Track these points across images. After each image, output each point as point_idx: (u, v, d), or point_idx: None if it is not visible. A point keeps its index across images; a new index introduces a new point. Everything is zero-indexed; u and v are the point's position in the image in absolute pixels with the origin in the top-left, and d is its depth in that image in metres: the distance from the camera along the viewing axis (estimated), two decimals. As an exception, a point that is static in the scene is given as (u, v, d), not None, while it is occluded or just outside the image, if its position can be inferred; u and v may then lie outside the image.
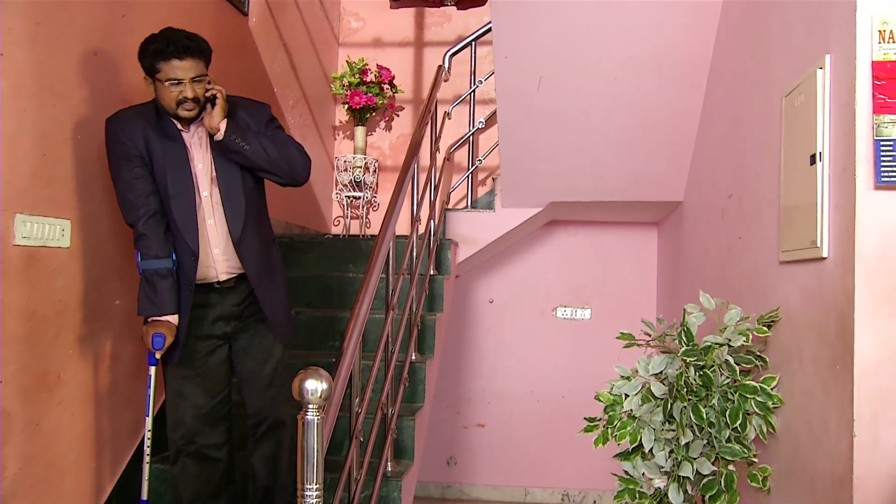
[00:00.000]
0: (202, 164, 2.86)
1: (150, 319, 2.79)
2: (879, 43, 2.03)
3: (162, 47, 2.66)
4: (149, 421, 2.84)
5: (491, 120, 5.05)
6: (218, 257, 2.89)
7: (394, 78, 5.56)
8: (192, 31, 2.78)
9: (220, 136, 2.77)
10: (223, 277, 2.91)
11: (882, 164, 2.00)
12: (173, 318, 2.80)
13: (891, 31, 2.02)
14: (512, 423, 5.78)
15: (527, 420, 5.71)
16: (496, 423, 5.81)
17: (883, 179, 2.00)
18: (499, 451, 5.81)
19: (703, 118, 3.93)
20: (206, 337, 2.93)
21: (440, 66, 4.70)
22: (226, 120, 2.77)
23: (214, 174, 2.87)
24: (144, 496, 2.85)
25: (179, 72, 2.68)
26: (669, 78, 3.84)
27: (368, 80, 5.44)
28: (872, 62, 2.03)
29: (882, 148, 2.00)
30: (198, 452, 2.93)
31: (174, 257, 2.82)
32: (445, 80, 4.78)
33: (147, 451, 2.84)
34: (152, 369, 2.85)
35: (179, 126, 2.84)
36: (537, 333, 5.77)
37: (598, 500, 5.67)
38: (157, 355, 2.80)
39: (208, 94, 2.76)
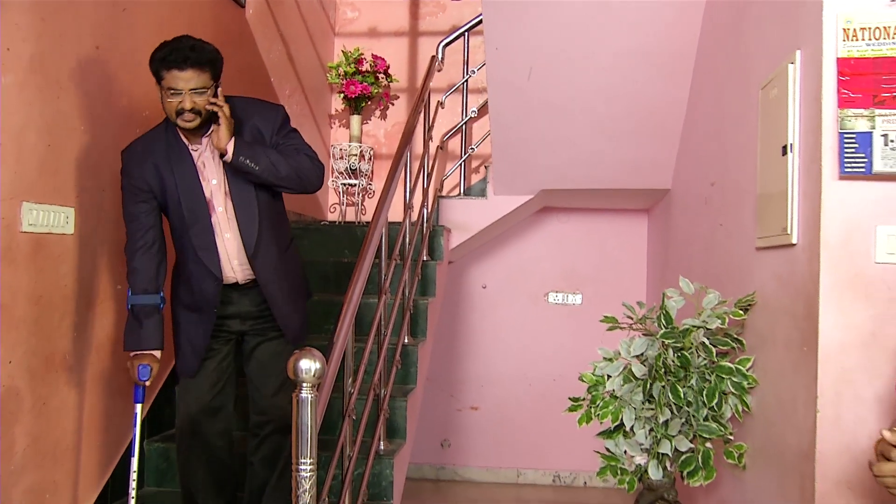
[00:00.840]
0: (216, 179, 2.87)
1: (133, 354, 2.83)
2: (844, 40, 2.13)
3: (165, 55, 2.66)
4: (134, 461, 2.86)
5: (483, 109, 5.14)
6: (237, 268, 2.93)
7: (389, 67, 5.65)
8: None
9: (228, 157, 2.75)
10: (243, 281, 2.96)
11: (845, 155, 2.11)
12: (157, 353, 2.85)
13: (854, 30, 2.12)
14: (505, 406, 5.89)
15: (519, 403, 5.82)
16: (489, 406, 5.93)
17: (846, 170, 2.11)
18: (492, 434, 5.92)
19: (690, 109, 4.03)
20: (222, 332, 3.00)
21: (433, 57, 4.80)
22: (233, 140, 2.74)
23: (227, 188, 2.87)
24: None
25: (180, 82, 2.66)
26: (657, 70, 3.94)
27: (364, 69, 5.53)
28: (837, 58, 2.14)
29: (846, 140, 2.11)
30: (203, 442, 2.99)
31: (161, 295, 2.87)
32: (439, 70, 4.88)
33: (133, 491, 2.87)
34: (138, 407, 2.87)
35: (189, 144, 2.84)
36: (530, 318, 5.88)
37: (589, 481, 5.80)
38: (147, 384, 2.82)
39: (209, 108, 2.72)
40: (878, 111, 2.09)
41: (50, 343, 2.80)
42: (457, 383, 5.95)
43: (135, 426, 2.85)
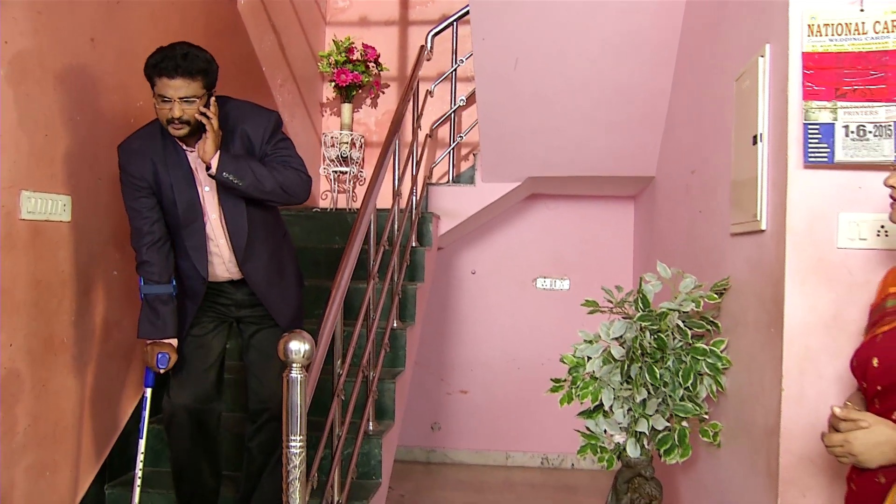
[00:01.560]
0: (209, 186, 2.90)
1: (151, 341, 2.90)
2: (809, 36, 2.23)
3: (158, 62, 2.67)
4: (142, 443, 2.96)
5: (472, 98, 5.21)
6: (231, 269, 3.00)
7: (379, 56, 5.73)
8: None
9: (212, 171, 2.76)
10: (237, 279, 3.04)
11: (809, 145, 2.21)
12: (174, 342, 2.92)
13: (818, 25, 2.22)
14: (494, 390, 6.00)
15: (508, 387, 5.92)
16: (478, 390, 6.03)
17: (810, 159, 2.21)
18: (481, 417, 6.03)
19: (672, 98, 4.13)
20: (213, 314, 3.07)
21: (422, 46, 4.88)
22: (218, 154, 2.74)
23: (218, 196, 2.91)
24: None
25: (169, 90, 2.66)
26: (640, 61, 4.02)
27: (355, 58, 5.60)
28: (803, 53, 2.23)
29: (810, 131, 2.21)
30: (192, 414, 3.02)
31: (174, 284, 2.93)
32: (428, 60, 4.96)
33: (139, 472, 2.96)
34: (148, 391, 2.96)
35: (184, 147, 2.87)
36: (518, 303, 5.98)
37: (576, 463, 5.92)
38: (161, 372, 2.89)
39: (198, 118, 2.73)
40: (840, 103, 2.19)
41: (49, 326, 2.89)
42: (447, 367, 6.06)
43: (143, 409, 2.95)
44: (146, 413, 2.95)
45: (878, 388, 1.68)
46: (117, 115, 3.24)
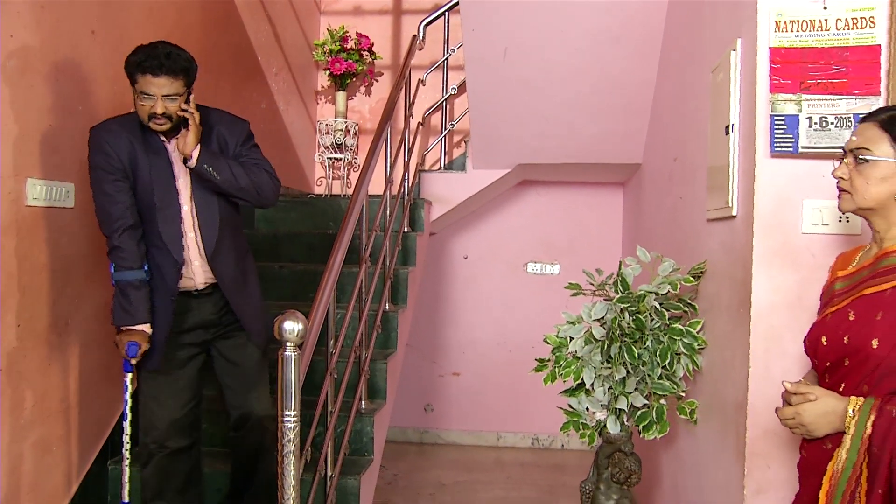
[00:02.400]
0: (182, 178, 2.93)
1: (123, 328, 2.86)
2: (776, 31, 2.35)
3: (141, 60, 2.72)
4: (127, 425, 2.96)
5: (463, 86, 5.31)
6: (197, 269, 2.98)
7: (373, 45, 5.84)
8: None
9: (192, 163, 2.82)
10: (201, 286, 3.01)
11: (775, 136, 2.34)
12: (146, 328, 2.87)
13: (785, 22, 2.34)
14: (485, 372, 6.15)
15: (499, 369, 6.06)
16: (470, 372, 6.19)
17: (776, 149, 2.34)
18: (473, 399, 6.19)
19: (658, 88, 4.24)
20: (185, 345, 3.01)
21: (414, 36, 4.99)
22: (199, 147, 2.82)
23: (191, 189, 2.94)
24: (125, 498, 3.01)
25: (152, 87, 2.73)
26: (626, 51, 4.13)
27: (349, 47, 5.71)
28: (770, 48, 2.35)
29: (776, 122, 2.34)
30: (170, 456, 3.01)
31: (146, 269, 2.89)
32: (420, 49, 5.07)
33: (126, 453, 2.96)
34: (128, 376, 2.94)
35: (163, 138, 2.90)
36: (509, 287, 6.12)
37: (566, 444, 6.07)
38: (132, 362, 2.87)
39: (180, 115, 2.80)
40: (804, 96, 2.31)
41: (53, 308, 3.02)
42: (439, 350, 6.20)
43: (125, 393, 2.95)
44: (128, 397, 2.96)
45: (828, 363, 1.82)
46: (117, 105, 3.34)
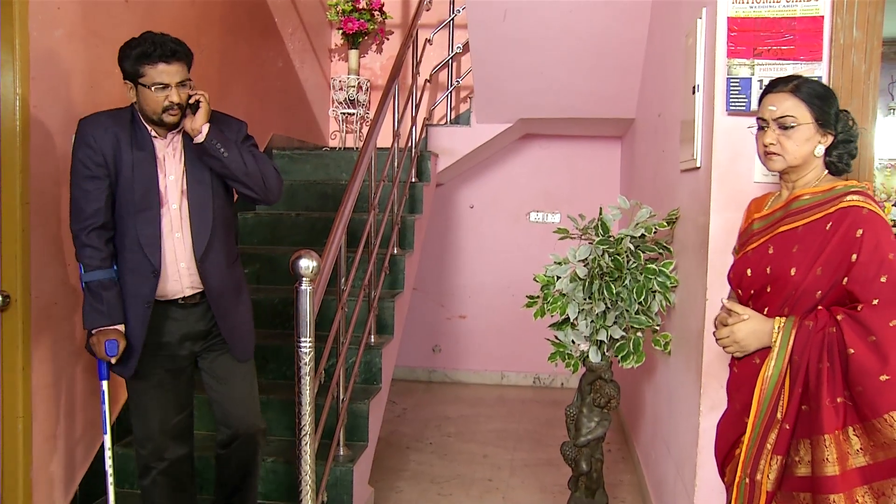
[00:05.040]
0: (174, 175, 2.81)
1: (96, 330, 2.72)
2: (733, 3, 2.65)
3: (149, 51, 2.62)
4: (107, 438, 2.86)
5: (468, 45, 5.61)
6: (184, 272, 2.83)
7: (383, 5, 6.10)
8: None
9: (200, 137, 2.73)
10: (188, 293, 2.85)
11: (731, 96, 2.66)
12: (121, 327, 2.75)
13: (741, -6, 2.64)
14: (490, 315, 6.52)
15: (503, 312, 6.41)
16: (476, 315, 6.57)
17: (731, 108, 2.66)
18: (478, 340, 6.58)
19: (648, 48, 4.54)
20: (173, 357, 2.88)
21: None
22: (208, 124, 2.75)
23: (185, 186, 2.82)
24: None
25: (166, 76, 2.64)
26: (617, 11, 4.41)
27: (360, 7, 5.99)
28: (728, 17, 2.66)
29: (731, 84, 2.65)
30: (167, 469, 2.92)
31: (115, 268, 2.77)
32: (427, 10, 5.36)
33: (109, 470, 2.89)
34: (105, 384, 2.84)
35: (153, 134, 2.79)
36: (512, 235, 6.47)
37: (566, 382, 6.45)
38: (113, 361, 2.73)
39: (192, 101, 2.72)
40: (756, 61, 2.63)
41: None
42: (447, 294, 6.57)
43: (103, 403, 2.85)
44: (106, 407, 2.85)
45: (752, 291, 2.15)
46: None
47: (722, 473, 2.29)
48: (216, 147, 2.75)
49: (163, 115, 2.70)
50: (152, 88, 2.65)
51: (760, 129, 2.13)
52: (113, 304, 2.72)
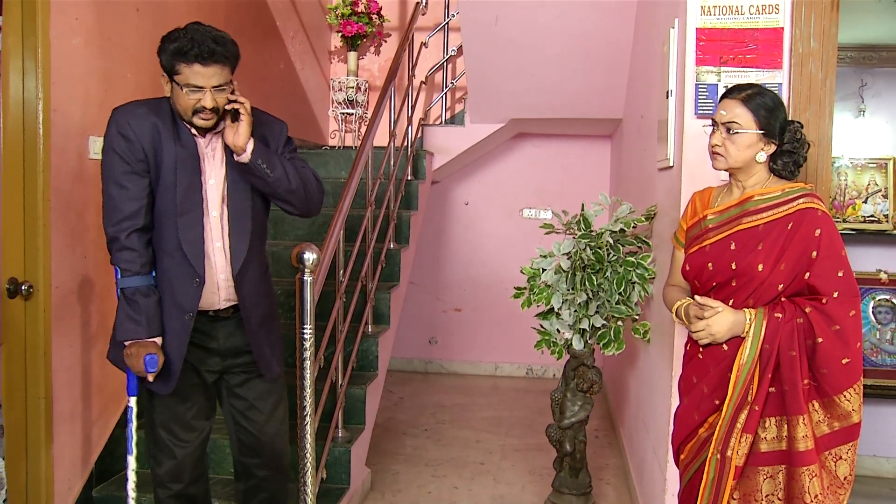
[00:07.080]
0: (214, 179, 2.58)
1: (132, 342, 2.47)
2: (702, 14, 2.88)
3: (185, 48, 2.38)
4: (132, 461, 2.61)
5: (462, 48, 5.85)
6: (222, 284, 2.62)
7: (381, 9, 6.33)
8: None
9: (245, 157, 2.50)
10: (223, 305, 2.65)
11: (699, 100, 2.88)
12: (158, 340, 2.52)
13: (709, 7, 2.86)
14: (484, 308, 6.76)
15: (497, 305, 6.63)
16: (471, 308, 6.80)
17: (699, 111, 2.88)
18: (473, 332, 6.82)
19: (633, 51, 4.75)
20: (203, 371, 2.70)
21: (418, 3, 5.50)
22: (252, 140, 2.50)
23: (226, 192, 2.59)
24: None
25: (201, 78, 2.40)
26: (604, 14, 4.62)
27: (359, 10, 6.21)
28: (697, 28, 2.88)
29: (700, 89, 2.88)
30: (183, 493, 2.75)
31: (153, 273, 2.55)
32: (423, 14, 5.59)
33: (132, 494, 2.62)
34: (133, 400, 2.60)
35: (194, 131, 2.55)
36: (506, 230, 6.70)
37: (557, 374, 6.66)
38: (150, 378, 2.49)
39: (229, 108, 2.48)
40: (723, 69, 2.85)
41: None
42: (443, 288, 6.81)
43: (130, 420, 2.61)
44: (133, 425, 2.61)
45: (714, 284, 2.35)
46: (158, 73, 3.87)
47: (677, 454, 2.49)
48: (261, 167, 2.53)
49: (193, 118, 2.47)
50: (184, 90, 2.42)
51: (713, 129, 2.34)
52: (152, 314, 2.49)
